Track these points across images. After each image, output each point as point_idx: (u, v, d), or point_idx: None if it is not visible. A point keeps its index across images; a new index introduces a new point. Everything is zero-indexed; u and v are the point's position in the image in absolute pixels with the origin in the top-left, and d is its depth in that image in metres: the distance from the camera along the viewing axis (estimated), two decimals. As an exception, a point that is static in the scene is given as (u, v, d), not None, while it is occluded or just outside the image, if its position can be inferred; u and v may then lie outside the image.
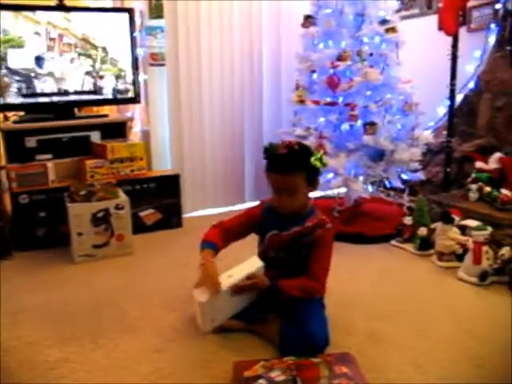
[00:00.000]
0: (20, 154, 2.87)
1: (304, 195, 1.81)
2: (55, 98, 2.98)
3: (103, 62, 3.05)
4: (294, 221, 1.82)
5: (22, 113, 3.10)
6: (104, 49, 3.04)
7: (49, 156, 2.93)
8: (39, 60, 2.87)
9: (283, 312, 1.79)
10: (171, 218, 3.15)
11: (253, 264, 1.77)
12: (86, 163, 2.88)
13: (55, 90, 2.96)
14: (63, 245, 2.69)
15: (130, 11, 3.09)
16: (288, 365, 1.50)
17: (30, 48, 2.83)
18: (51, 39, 2.89)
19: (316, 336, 1.65)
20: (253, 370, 1.48)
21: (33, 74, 2.87)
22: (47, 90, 2.94)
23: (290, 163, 1.72)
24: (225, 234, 1.86)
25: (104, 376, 1.59)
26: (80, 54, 2.98)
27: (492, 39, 3.04)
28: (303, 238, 1.79)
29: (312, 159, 1.74)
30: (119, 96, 3.14)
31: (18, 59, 2.81)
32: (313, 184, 1.81)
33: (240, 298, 1.75)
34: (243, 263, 1.78)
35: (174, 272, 2.43)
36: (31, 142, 2.91)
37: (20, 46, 2.80)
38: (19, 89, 2.85)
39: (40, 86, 2.91)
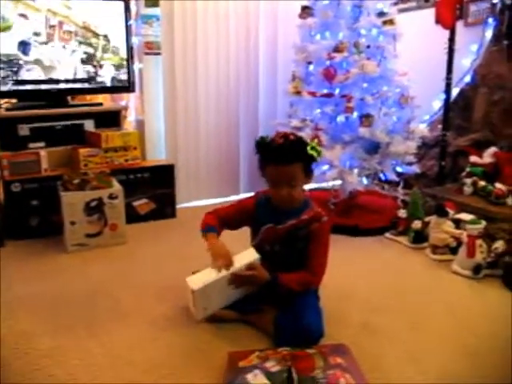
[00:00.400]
0: (12, 141, 2.83)
1: (302, 187, 1.80)
2: (48, 86, 2.94)
3: (95, 49, 3.01)
4: (289, 213, 1.80)
5: (14, 100, 3.06)
6: (96, 35, 2.99)
7: (42, 144, 2.90)
8: (25, 46, 2.82)
9: (278, 303, 1.78)
10: (165, 208, 3.13)
11: (250, 255, 1.76)
12: (80, 152, 2.85)
13: (48, 78, 2.92)
14: (56, 234, 2.67)
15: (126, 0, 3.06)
16: (283, 355, 1.50)
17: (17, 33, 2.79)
18: (51, 26, 2.85)
19: (311, 328, 1.65)
20: (248, 360, 1.48)
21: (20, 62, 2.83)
22: (40, 78, 2.90)
23: (288, 153, 1.71)
24: (220, 221, 1.85)
25: (98, 364, 1.58)
26: (80, 43, 2.95)
27: (489, 33, 3.04)
28: (299, 231, 1.78)
29: (308, 149, 1.73)
30: (114, 84, 3.11)
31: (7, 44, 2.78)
32: (309, 175, 1.80)
33: (236, 289, 1.74)
34: (239, 254, 1.76)
35: (168, 262, 2.42)
36: (24, 129, 2.88)
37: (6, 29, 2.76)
38: (8, 76, 2.81)
39: (31, 73, 2.86)
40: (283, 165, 1.71)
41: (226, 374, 1.47)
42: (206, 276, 1.68)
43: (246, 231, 1.93)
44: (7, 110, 2.96)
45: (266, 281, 1.72)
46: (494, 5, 3.00)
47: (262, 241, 1.84)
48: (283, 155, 1.71)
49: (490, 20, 3.02)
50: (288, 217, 1.79)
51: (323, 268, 1.79)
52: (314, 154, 1.74)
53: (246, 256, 1.75)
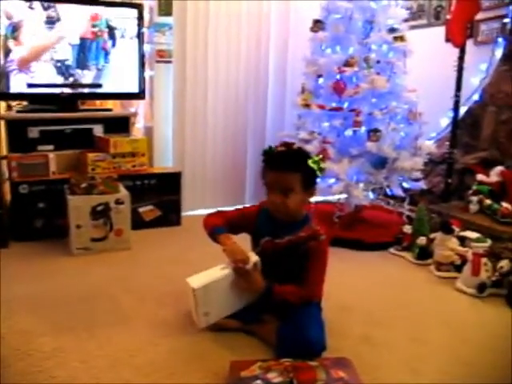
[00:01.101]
0: (22, 143, 2.85)
1: (299, 200, 1.75)
2: (59, 90, 2.97)
3: (111, 55, 3.05)
4: (288, 228, 1.78)
5: (25, 102, 3.09)
6: (114, 41, 3.04)
7: (51, 147, 2.92)
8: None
9: (280, 312, 1.77)
10: (170, 215, 3.14)
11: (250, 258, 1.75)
12: (88, 156, 2.87)
13: (60, 82, 2.96)
14: (61, 237, 2.69)
15: (139, 7, 3.09)
16: (285, 367, 1.49)
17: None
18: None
19: (313, 342, 1.64)
20: (250, 370, 1.47)
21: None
22: (53, 81, 2.93)
23: (285, 160, 1.72)
24: (226, 219, 1.86)
25: (98, 367, 1.58)
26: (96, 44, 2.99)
27: (499, 53, 3.05)
28: (297, 247, 1.76)
29: (309, 161, 1.73)
30: (125, 91, 3.14)
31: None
32: (309, 190, 1.77)
33: (237, 297, 1.74)
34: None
35: (171, 268, 2.42)
36: (34, 132, 2.90)
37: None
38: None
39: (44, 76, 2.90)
40: (280, 171, 1.71)
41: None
42: (208, 276, 1.69)
43: (244, 237, 1.92)
44: (18, 112, 2.99)
45: (262, 288, 1.71)
46: (504, 24, 3.02)
47: (261, 253, 1.82)
48: (281, 162, 1.72)
49: (500, 40, 3.03)
50: (287, 231, 1.78)
51: (320, 286, 1.78)
52: (315, 167, 1.73)
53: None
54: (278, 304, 1.74)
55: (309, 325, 1.68)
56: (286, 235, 1.77)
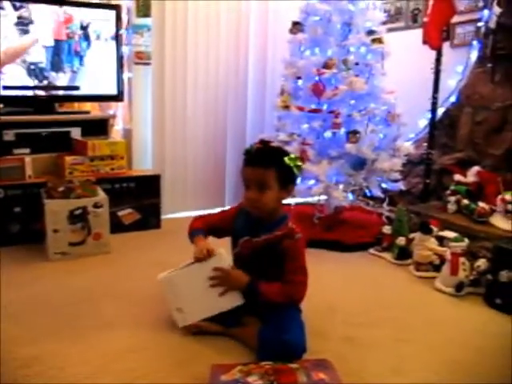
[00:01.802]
0: (-3, 147, 2.80)
1: (274, 196, 1.75)
2: (36, 92, 2.92)
3: (88, 56, 3.01)
4: (265, 227, 1.79)
5: (0, 105, 3.03)
6: (89, 43, 3.00)
7: (27, 150, 2.86)
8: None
9: (260, 315, 1.77)
10: (150, 218, 3.11)
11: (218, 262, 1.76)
12: (65, 159, 2.83)
13: (36, 84, 2.91)
14: (38, 242, 2.63)
15: (117, 8, 3.06)
16: (266, 370, 1.48)
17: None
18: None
19: (293, 344, 1.63)
20: (230, 373, 1.46)
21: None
22: (28, 83, 2.88)
23: (261, 156, 1.74)
24: (207, 223, 1.89)
25: (78, 374, 1.54)
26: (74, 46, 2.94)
27: (474, 55, 3.11)
28: (271, 246, 1.76)
29: (285, 158, 1.73)
30: (102, 93, 3.10)
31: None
32: (285, 187, 1.77)
33: (217, 299, 1.73)
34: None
35: (151, 272, 2.34)
36: (9, 135, 2.84)
37: None
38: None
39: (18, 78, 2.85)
40: (255, 166, 1.73)
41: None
42: (175, 270, 1.72)
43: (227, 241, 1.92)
44: (-7, 114, 2.93)
45: (245, 282, 1.71)
46: (478, 28, 3.07)
47: (240, 252, 1.85)
48: (257, 157, 1.74)
49: (475, 42, 3.09)
50: (264, 230, 1.79)
51: (304, 285, 1.76)
52: (291, 164, 1.73)
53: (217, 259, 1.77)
54: (261, 303, 1.73)
55: (289, 327, 1.68)
56: (264, 234, 1.78)
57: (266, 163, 1.71)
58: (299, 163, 1.77)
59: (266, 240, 1.77)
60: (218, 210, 3.40)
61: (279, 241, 1.76)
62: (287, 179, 1.76)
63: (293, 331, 1.67)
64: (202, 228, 1.86)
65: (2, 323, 1.84)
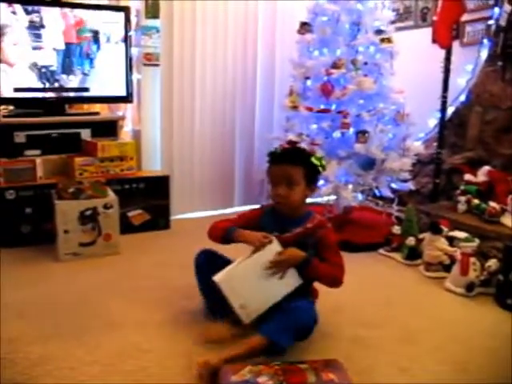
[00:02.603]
0: (8, 148, 2.82)
1: (302, 193, 1.82)
2: (46, 94, 2.95)
3: (97, 59, 3.03)
4: (293, 222, 1.84)
5: (11, 107, 3.06)
6: (99, 46, 3.02)
7: (38, 152, 2.89)
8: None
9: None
10: (159, 219, 3.12)
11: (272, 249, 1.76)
12: (76, 160, 2.85)
13: (47, 86, 2.93)
14: (49, 242, 2.65)
15: (126, 10, 3.08)
16: (275, 370, 1.49)
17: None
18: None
19: (302, 311, 1.68)
20: (240, 374, 1.46)
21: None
22: (38, 85, 2.91)
23: (290, 155, 1.83)
24: (233, 224, 1.90)
25: (87, 373, 1.56)
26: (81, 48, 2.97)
27: (484, 54, 3.07)
28: (306, 239, 1.81)
29: (312, 158, 1.83)
30: (112, 94, 3.12)
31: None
32: (311, 185, 1.85)
33: (273, 282, 1.73)
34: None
35: (161, 273, 2.41)
36: (20, 137, 2.87)
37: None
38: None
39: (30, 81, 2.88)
40: (284, 164, 1.80)
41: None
42: (229, 267, 1.72)
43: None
44: (4, 116, 2.95)
45: (302, 256, 1.75)
46: (489, 26, 3.04)
47: None
48: (285, 155, 1.83)
49: (485, 41, 3.06)
50: (293, 226, 1.83)
51: (343, 267, 1.82)
52: (317, 163, 1.83)
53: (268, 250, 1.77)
54: (308, 278, 1.77)
55: (294, 302, 1.71)
56: (293, 229, 1.83)
57: (296, 161, 1.80)
58: (324, 163, 1.87)
59: (299, 233, 1.82)
60: (227, 210, 3.50)
61: (312, 233, 1.81)
62: (313, 177, 1.85)
63: (298, 302, 1.71)
64: (232, 225, 1.87)
65: (12, 323, 1.87)
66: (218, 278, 1.70)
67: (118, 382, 1.53)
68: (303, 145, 2.82)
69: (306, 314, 1.72)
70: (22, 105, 2.97)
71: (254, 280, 1.72)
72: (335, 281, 1.81)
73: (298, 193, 1.80)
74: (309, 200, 3.11)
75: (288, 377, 1.45)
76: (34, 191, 2.75)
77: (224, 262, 1.81)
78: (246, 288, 1.72)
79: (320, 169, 1.84)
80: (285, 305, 1.71)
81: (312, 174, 1.84)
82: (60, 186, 2.61)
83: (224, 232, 1.85)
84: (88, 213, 2.57)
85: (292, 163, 1.80)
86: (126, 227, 2.90)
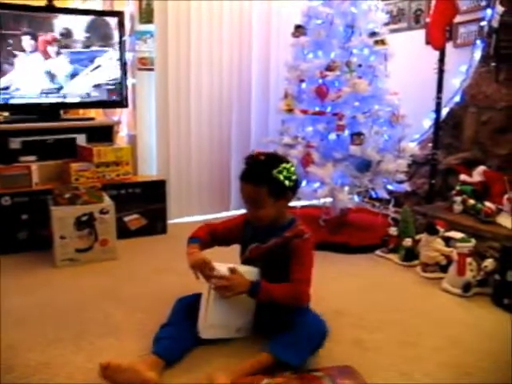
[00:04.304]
0: (3, 155, 2.82)
1: (271, 210, 1.74)
2: (41, 100, 2.94)
3: (92, 63, 3.03)
4: (272, 232, 1.79)
5: (6, 113, 3.05)
6: (91, 50, 3.02)
7: (33, 158, 2.89)
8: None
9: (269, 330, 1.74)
10: (156, 223, 3.12)
11: (246, 270, 1.75)
12: (71, 166, 2.84)
13: (41, 91, 2.93)
14: (45, 248, 2.64)
15: (120, 15, 3.08)
16: (292, 380, 1.46)
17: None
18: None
19: (310, 326, 1.66)
20: None
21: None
22: (33, 91, 2.90)
23: (250, 173, 1.73)
24: (212, 232, 1.87)
25: (86, 380, 1.55)
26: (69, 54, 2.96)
27: (477, 55, 3.09)
28: (281, 249, 1.76)
29: (274, 172, 1.69)
30: (107, 99, 3.12)
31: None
32: (281, 198, 1.75)
33: (237, 309, 1.74)
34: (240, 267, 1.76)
35: (158, 277, 2.41)
36: (15, 143, 2.86)
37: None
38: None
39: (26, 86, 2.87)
40: (247, 183, 1.73)
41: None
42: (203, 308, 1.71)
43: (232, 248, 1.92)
44: (-1, 123, 2.95)
45: (247, 286, 1.67)
46: (481, 27, 3.06)
47: (248, 260, 1.84)
48: (247, 174, 1.74)
49: (479, 42, 3.08)
50: (271, 235, 1.79)
51: (306, 282, 1.74)
52: (280, 177, 1.69)
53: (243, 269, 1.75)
54: (264, 303, 1.71)
55: (301, 316, 1.68)
56: (271, 239, 1.79)
57: (255, 181, 1.70)
58: (290, 174, 1.72)
59: (276, 243, 1.78)
60: (223, 214, 3.50)
61: (288, 242, 1.76)
62: (280, 191, 1.73)
63: (307, 315, 1.70)
64: (200, 236, 1.83)
65: (11, 329, 1.86)
66: (202, 334, 1.69)
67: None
68: (299, 148, 2.85)
69: (314, 328, 1.67)
70: (17, 111, 2.97)
71: (225, 306, 1.69)
72: (296, 300, 1.70)
73: (265, 212, 1.73)
74: (305, 203, 3.11)
75: None
76: (30, 197, 2.74)
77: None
78: (227, 316, 1.72)
79: (286, 182, 1.70)
80: (290, 320, 1.65)
81: (278, 190, 1.71)
82: (56, 192, 2.60)
83: (188, 240, 1.82)
84: (84, 218, 2.56)
85: (253, 183, 1.70)
86: (123, 232, 2.89)
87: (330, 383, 1.46)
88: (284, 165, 1.72)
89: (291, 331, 1.61)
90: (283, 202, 1.77)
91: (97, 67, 3.05)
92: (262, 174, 1.70)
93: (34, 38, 2.84)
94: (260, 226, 1.80)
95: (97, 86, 3.08)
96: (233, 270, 1.70)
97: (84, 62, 3.02)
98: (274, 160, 1.76)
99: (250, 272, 1.75)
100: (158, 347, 1.64)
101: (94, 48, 3.02)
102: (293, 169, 1.75)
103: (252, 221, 1.81)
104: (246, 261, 1.86)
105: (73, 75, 3.01)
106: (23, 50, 2.83)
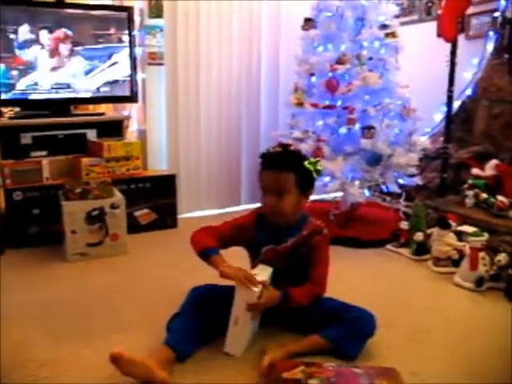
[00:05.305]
0: (15, 150, 2.84)
1: (294, 201, 1.70)
2: (51, 95, 2.95)
3: (101, 59, 3.03)
4: (288, 232, 1.76)
5: (17, 109, 3.07)
6: (103, 46, 3.02)
7: (44, 153, 2.90)
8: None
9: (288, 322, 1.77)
10: (166, 218, 3.13)
11: (263, 272, 1.71)
12: (82, 161, 2.85)
13: (52, 87, 2.94)
14: (56, 243, 2.66)
15: (130, 10, 3.08)
16: (328, 376, 1.44)
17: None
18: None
19: (366, 319, 1.70)
20: (292, 372, 1.44)
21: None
22: (44, 87, 2.91)
23: (281, 160, 1.68)
24: (220, 236, 1.77)
25: (96, 376, 1.55)
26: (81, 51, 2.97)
27: (490, 47, 3.06)
28: (301, 248, 1.74)
29: (305, 162, 1.70)
30: (117, 94, 3.12)
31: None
32: (305, 192, 1.73)
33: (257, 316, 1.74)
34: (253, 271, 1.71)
35: (168, 272, 2.41)
36: (26, 138, 2.88)
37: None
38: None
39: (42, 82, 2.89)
40: (274, 170, 1.68)
41: (266, 381, 1.46)
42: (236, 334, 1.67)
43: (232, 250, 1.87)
44: (10, 118, 2.97)
45: (278, 299, 1.66)
46: (494, 18, 3.02)
47: (264, 261, 1.77)
48: (276, 161, 1.68)
49: (491, 33, 3.04)
50: (288, 235, 1.75)
51: (325, 278, 1.77)
52: (311, 168, 1.69)
53: (260, 273, 1.70)
54: (292, 310, 1.70)
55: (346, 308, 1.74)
56: (290, 239, 1.75)
57: (286, 167, 1.67)
58: (319, 167, 1.72)
59: (296, 242, 1.75)
60: (233, 208, 3.49)
61: (307, 240, 1.74)
62: (307, 184, 1.72)
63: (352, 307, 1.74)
64: (213, 245, 1.71)
65: (21, 324, 1.87)
66: (233, 353, 1.66)
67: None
68: (309, 142, 2.83)
69: (369, 322, 1.70)
70: (28, 106, 2.98)
71: (248, 325, 1.67)
72: (318, 296, 1.75)
73: (289, 202, 1.68)
74: (315, 197, 3.09)
75: (340, 380, 1.42)
76: (41, 192, 2.76)
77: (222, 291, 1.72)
78: (253, 328, 1.73)
79: (314, 174, 1.70)
80: (346, 313, 1.70)
81: (305, 181, 1.70)
82: (67, 187, 2.61)
83: (201, 251, 1.70)
84: (95, 213, 2.57)
85: (282, 169, 1.66)
86: (133, 227, 2.90)
87: (367, 382, 1.42)
88: (314, 159, 1.74)
89: (350, 324, 1.66)
90: (303, 198, 1.75)
91: (113, 64, 3.04)
92: (294, 162, 1.69)
93: (51, 32, 2.85)
94: (276, 223, 1.75)
95: (107, 82, 3.07)
96: (265, 286, 1.64)
97: (97, 59, 3.02)
98: (302, 152, 1.78)
99: (262, 271, 1.71)
100: (170, 339, 1.63)
101: (107, 44, 3.02)
102: (320, 166, 1.74)
103: (269, 213, 1.74)
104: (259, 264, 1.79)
105: (87, 72, 3.01)
106: (41, 45, 2.85)
